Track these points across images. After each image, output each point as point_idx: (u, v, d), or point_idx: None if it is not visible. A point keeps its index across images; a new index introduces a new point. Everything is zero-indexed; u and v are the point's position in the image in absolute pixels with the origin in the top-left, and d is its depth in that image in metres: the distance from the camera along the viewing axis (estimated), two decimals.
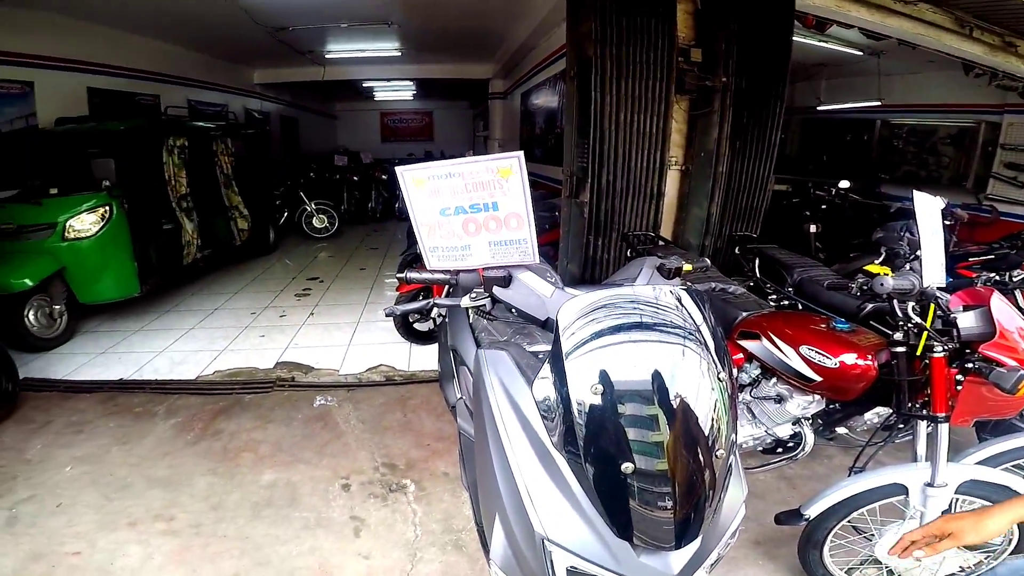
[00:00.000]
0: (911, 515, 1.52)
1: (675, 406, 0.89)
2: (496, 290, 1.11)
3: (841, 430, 2.09)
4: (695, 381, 0.91)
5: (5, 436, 2.70)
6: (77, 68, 5.76)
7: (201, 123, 6.06)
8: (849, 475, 1.70)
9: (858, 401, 1.82)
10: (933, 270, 1.42)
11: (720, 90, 3.22)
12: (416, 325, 3.72)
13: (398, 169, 1.02)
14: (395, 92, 13.77)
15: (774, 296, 2.79)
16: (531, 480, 0.98)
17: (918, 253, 2.90)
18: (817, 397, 1.89)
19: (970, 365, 1.49)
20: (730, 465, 1.01)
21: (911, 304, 1.47)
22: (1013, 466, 1.69)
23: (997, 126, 6.37)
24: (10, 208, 3.88)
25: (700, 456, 0.91)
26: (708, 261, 1.45)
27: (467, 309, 1.17)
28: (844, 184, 5.53)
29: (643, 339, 0.91)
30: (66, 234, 3.81)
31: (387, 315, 1.20)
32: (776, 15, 3.28)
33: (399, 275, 1.20)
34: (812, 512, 1.63)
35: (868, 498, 1.59)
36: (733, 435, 0.99)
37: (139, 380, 3.31)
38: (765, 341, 1.93)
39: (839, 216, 5.58)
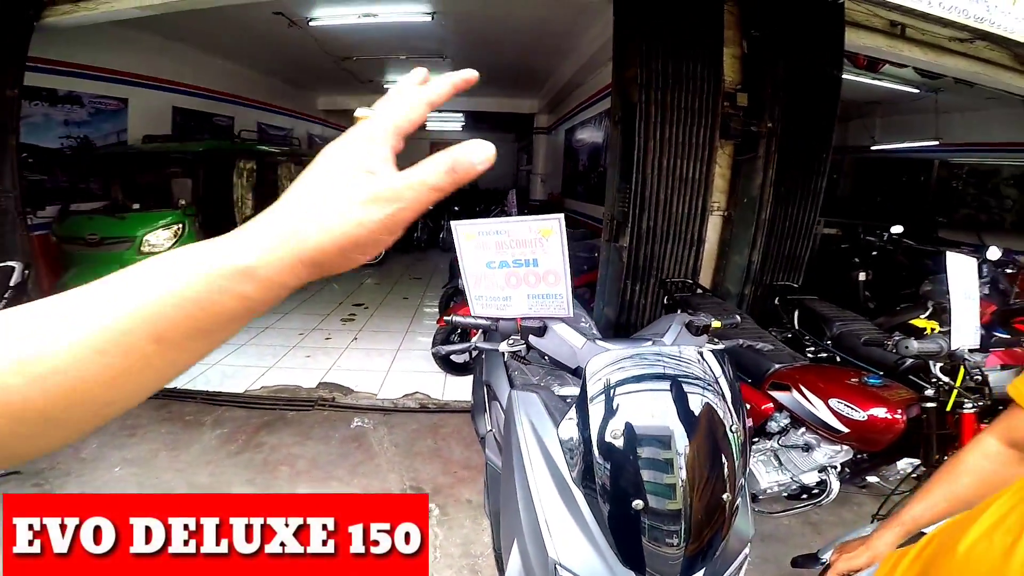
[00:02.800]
0: None
1: (688, 450, 0.97)
2: (531, 338, 1.22)
3: (873, 478, 2.06)
4: (709, 429, 1.00)
5: None
6: (165, 87, 6.22)
7: (268, 147, 6.53)
8: (871, 522, 1.71)
9: (886, 452, 1.82)
10: (965, 332, 1.44)
11: (765, 135, 3.24)
12: (453, 357, 3.85)
13: (453, 224, 1.15)
14: (444, 123, 14.34)
15: (812, 349, 2.78)
16: (550, 510, 1.08)
17: None
18: (845, 447, 1.90)
19: None
20: (737, 506, 1.07)
21: (939, 365, 1.49)
22: None
23: None
24: (97, 220, 4.28)
25: (709, 497, 0.99)
26: (739, 318, 1.50)
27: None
28: (897, 229, 5.27)
29: (662, 388, 1.01)
30: (142, 248, 4.17)
31: (433, 355, 1.33)
32: (824, 58, 3.28)
33: (447, 317, 1.33)
34: (829, 557, 1.62)
35: None
36: (742, 479, 1.06)
37: (191, 390, 3.53)
38: (795, 393, 1.96)
39: (890, 263, 5.36)
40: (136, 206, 4.40)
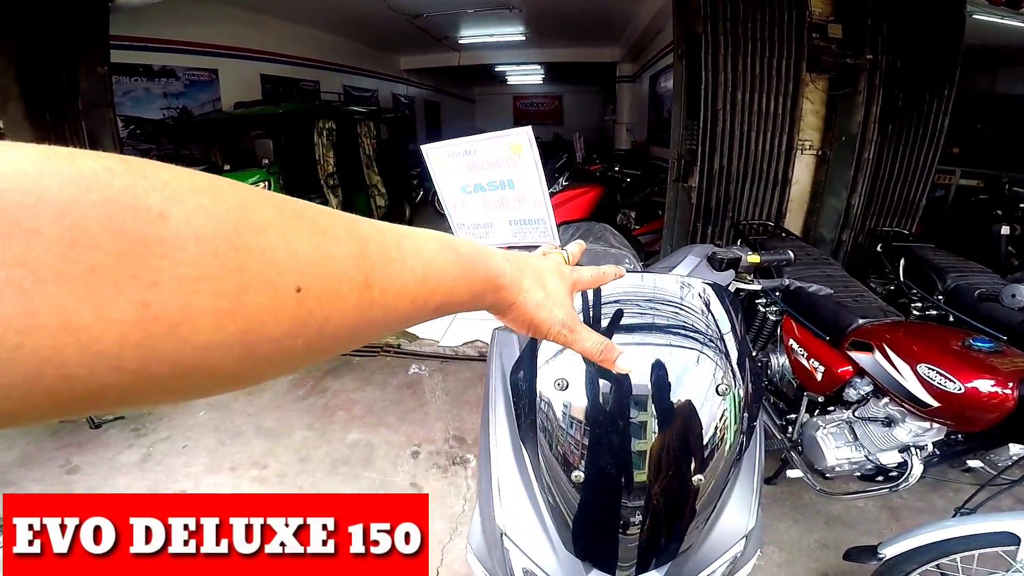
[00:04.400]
0: (1017, 568, 1.23)
1: (653, 418, 0.79)
2: None
3: (976, 463, 1.71)
4: (685, 393, 0.81)
5: None
6: (252, 57, 6.60)
7: (348, 107, 6.72)
8: (954, 515, 1.45)
9: (989, 434, 1.48)
10: None
11: (866, 68, 2.79)
12: None
13: (423, 147, 1.04)
14: (525, 76, 14.07)
15: (919, 305, 2.34)
16: (503, 470, 0.95)
17: None
18: (936, 424, 1.57)
19: None
20: (725, 490, 0.89)
21: None
22: None
23: None
24: None
25: (676, 476, 0.81)
26: (791, 254, 1.24)
27: None
28: None
29: (632, 342, 0.83)
30: None
31: None
32: None
33: None
34: (890, 552, 1.38)
35: (966, 544, 1.32)
36: (740, 456, 0.87)
37: None
38: (878, 354, 1.64)
39: None
40: (227, 167, 4.73)
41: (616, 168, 4.96)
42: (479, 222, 1.10)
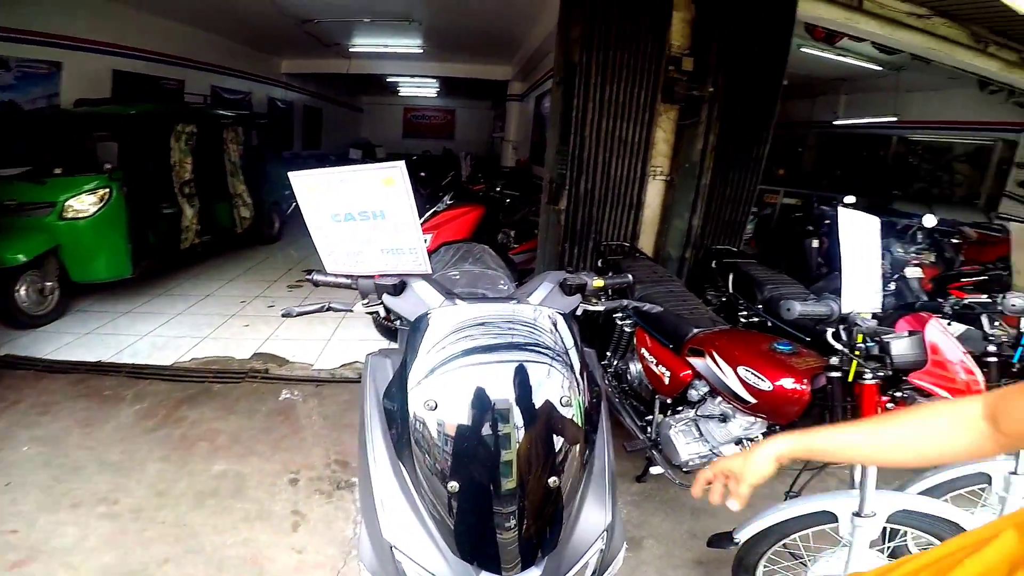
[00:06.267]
0: (844, 543, 1.46)
1: (514, 428, 0.87)
2: (387, 298, 1.11)
3: None
4: (539, 404, 0.90)
5: None
6: (105, 50, 5.93)
7: (213, 110, 6.19)
8: (785, 499, 1.65)
9: (797, 425, 1.76)
10: (860, 295, 1.35)
11: (708, 100, 3.14)
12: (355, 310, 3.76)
13: (291, 175, 1.04)
14: (419, 88, 13.95)
15: (744, 313, 2.73)
16: (384, 486, 0.98)
17: (903, 272, 2.80)
18: (759, 418, 1.84)
19: (899, 394, 1.43)
20: (583, 489, 0.99)
21: (830, 330, 1.41)
22: (967, 492, 1.64)
23: (1014, 144, 6.26)
24: (16, 185, 4.01)
25: (542, 479, 0.89)
26: (631, 277, 1.40)
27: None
28: (849, 199, 5.33)
29: (491, 360, 0.91)
30: (64, 213, 3.92)
31: (282, 316, 1.20)
32: (774, 27, 3.17)
33: (305, 273, 1.21)
34: (743, 536, 1.58)
35: (799, 524, 1.53)
36: (592, 458, 0.98)
37: (116, 363, 3.37)
38: (709, 360, 1.89)
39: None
40: (58, 171, 4.12)
41: (498, 188, 5.14)
42: (350, 250, 1.11)
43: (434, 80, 12.35)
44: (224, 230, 5.84)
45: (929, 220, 3.53)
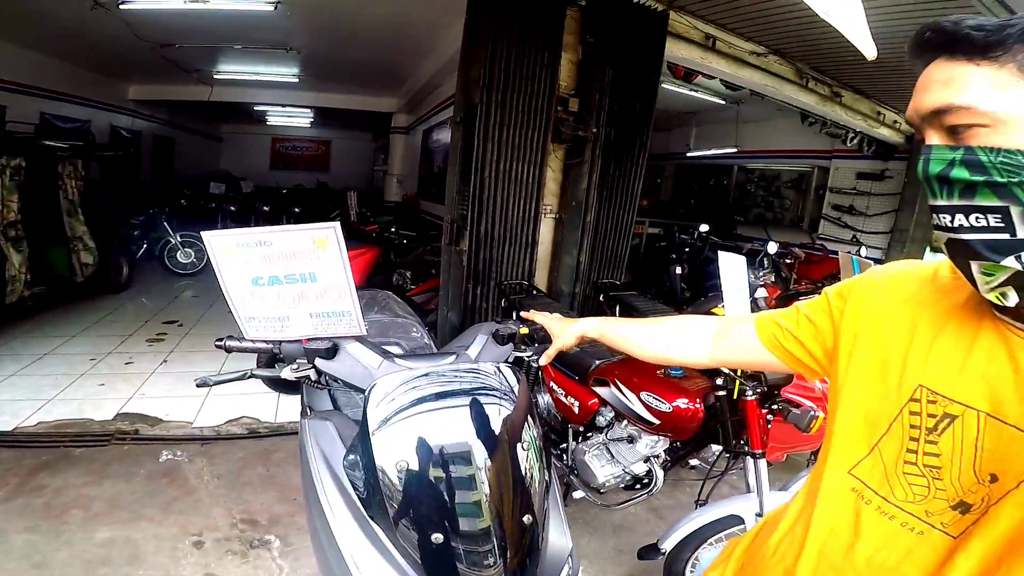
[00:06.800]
0: None
1: (488, 468, 0.93)
2: (319, 361, 1.08)
3: (695, 461, 2.27)
4: (500, 442, 0.96)
5: None
6: None
7: (44, 141, 5.35)
8: (696, 508, 1.84)
9: (695, 440, 2.00)
10: None
11: (591, 140, 3.38)
12: (285, 375, 3.50)
13: (204, 235, 0.96)
14: (290, 118, 13.21)
15: None
16: (353, 546, 0.98)
17: (754, 295, 3.28)
18: (662, 437, 2.04)
19: (776, 406, 1.70)
20: (548, 517, 1.07)
21: None
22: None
23: (827, 171, 7.23)
24: None
25: (516, 512, 0.96)
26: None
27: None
28: (704, 227, 6.07)
29: (448, 406, 0.96)
30: None
31: (198, 386, 1.11)
32: (647, 67, 3.49)
33: (218, 342, 1.12)
34: (667, 546, 1.73)
35: (713, 529, 1.71)
36: (548, 489, 1.06)
37: None
38: (613, 388, 2.07)
39: (701, 258, 6.17)
40: None
41: (393, 229, 5.06)
42: (274, 315, 1.05)
43: (309, 110, 11.83)
44: (61, 279, 5.03)
45: (772, 247, 4.16)
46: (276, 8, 4.79)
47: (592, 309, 3.48)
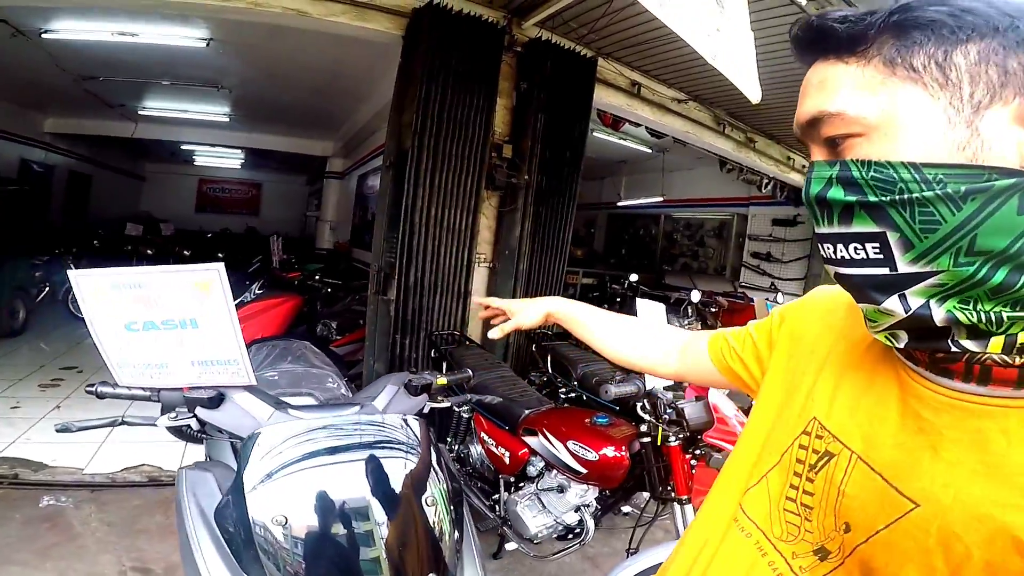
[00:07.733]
0: None
1: (374, 524, 0.88)
2: (201, 411, 0.99)
3: (627, 508, 2.23)
4: (400, 497, 0.92)
5: None
6: None
7: None
8: (627, 556, 1.80)
9: (623, 487, 1.98)
10: None
11: (523, 187, 3.40)
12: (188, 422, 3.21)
13: (71, 274, 0.87)
14: (219, 159, 12.74)
15: (564, 391, 2.98)
16: None
17: None
18: (591, 486, 2.01)
19: (698, 451, 1.72)
20: (463, 573, 1.01)
21: (639, 404, 1.67)
22: None
23: (746, 218, 7.55)
24: None
25: (422, 574, 0.91)
26: (470, 372, 1.47)
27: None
28: (633, 277, 6.28)
29: (340, 460, 0.91)
30: None
31: (57, 431, 0.98)
32: (576, 114, 3.57)
33: (88, 388, 1.01)
34: None
35: None
36: (459, 544, 1.01)
37: None
38: (542, 437, 2.03)
39: (632, 308, 6.31)
40: None
41: (317, 277, 4.84)
42: (151, 362, 0.96)
43: (239, 151, 11.47)
44: None
45: (695, 295, 4.36)
46: (208, 45, 4.68)
47: (526, 359, 3.45)
